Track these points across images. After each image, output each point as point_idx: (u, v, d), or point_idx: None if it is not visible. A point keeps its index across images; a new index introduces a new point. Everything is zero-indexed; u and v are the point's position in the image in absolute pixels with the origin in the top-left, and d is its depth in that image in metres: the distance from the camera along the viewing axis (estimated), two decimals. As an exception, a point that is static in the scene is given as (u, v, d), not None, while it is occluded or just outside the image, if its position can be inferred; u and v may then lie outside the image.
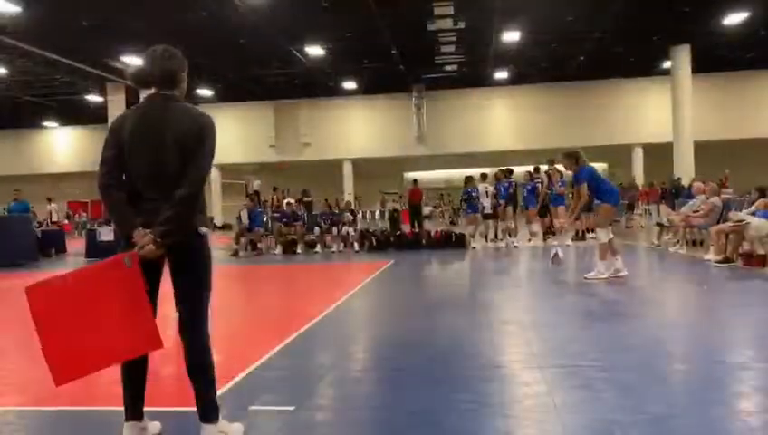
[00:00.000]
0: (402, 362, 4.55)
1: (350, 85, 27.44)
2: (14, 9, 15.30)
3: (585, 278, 8.07)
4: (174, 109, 2.76)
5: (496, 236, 14.72)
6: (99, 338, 2.57)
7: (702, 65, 23.83)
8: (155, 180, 2.71)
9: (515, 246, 13.49)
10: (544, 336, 5.22)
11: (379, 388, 3.95)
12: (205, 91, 26.61)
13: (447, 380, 3.96)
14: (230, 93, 27.41)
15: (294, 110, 29.57)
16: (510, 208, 14.01)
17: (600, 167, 28.44)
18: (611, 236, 8.18)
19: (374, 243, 14.50)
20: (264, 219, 15.79)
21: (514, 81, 27.89)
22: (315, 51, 21.10)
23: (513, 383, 3.93)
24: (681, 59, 22.93)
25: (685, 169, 22.14)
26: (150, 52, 2.83)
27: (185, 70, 2.90)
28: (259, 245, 15.00)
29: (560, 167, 14.94)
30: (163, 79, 2.79)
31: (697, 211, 11.04)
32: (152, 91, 2.83)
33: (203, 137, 2.73)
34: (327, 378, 4.16)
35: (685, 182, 19.21)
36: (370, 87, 27.74)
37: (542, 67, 25.58)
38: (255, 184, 20.05)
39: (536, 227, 14.23)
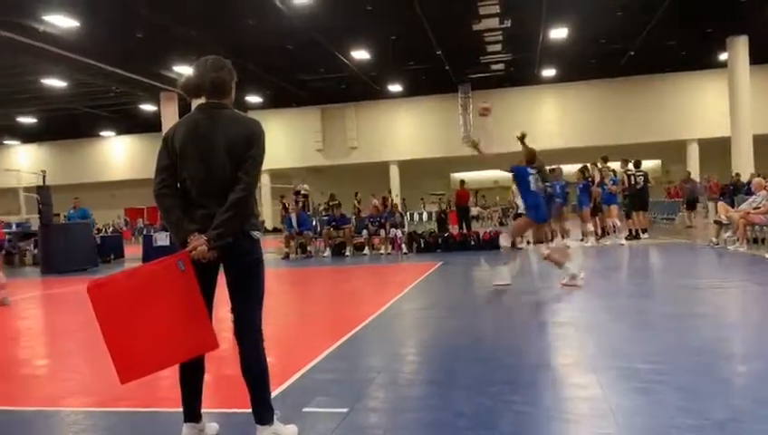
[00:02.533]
0: (454, 363, 4.53)
1: (395, 88, 27.49)
2: (73, 24, 15.92)
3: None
4: (223, 117, 2.83)
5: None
6: (158, 338, 2.65)
7: (760, 57, 22.94)
8: (207, 188, 2.78)
9: (568, 247, 13.26)
10: (598, 337, 5.12)
11: (431, 390, 3.94)
12: (254, 98, 27.10)
13: (500, 381, 3.92)
14: (278, 99, 27.83)
15: (341, 114, 29.81)
16: (565, 208, 13.82)
17: (653, 164, 27.71)
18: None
19: (422, 245, 14.48)
20: (314, 223, 15.97)
21: (563, 78, 27.42)
22: (360, 55, 21.22)
23: (568, 386, 3.87)
24: (738, 51, 22.11)
25: (743, 164, 21.34)
26: (201, 62, 2.90)
27: (234, 79, 2.96)
28: (309, 248, 15.18)
29: (613, 165, 14.67)
30: (213, 89, 2.86)
31: (758, 208, 10.62)
32: (202, 100, 2.91)
33: (252, 143, 2.79)
34: (379, 380, 4.17)
35: (744, 178, 18.50)
36: (416, 89, 27.74)
37: (591, 63, 25.08)
38: (303, 188, 20.29)
39: (590, 227, 13.95)
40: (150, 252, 14.89)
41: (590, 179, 13.97)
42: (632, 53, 23.50)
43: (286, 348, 5.20)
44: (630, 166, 14.48)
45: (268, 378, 2.91)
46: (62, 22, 15.80)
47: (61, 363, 5.50)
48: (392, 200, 16.18)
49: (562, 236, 13.72)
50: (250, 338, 2.87)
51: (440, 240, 14.51)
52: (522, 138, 8.07)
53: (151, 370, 2.74)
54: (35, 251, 15.99)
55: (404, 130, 29.71)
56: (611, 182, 13.81)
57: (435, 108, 29.33)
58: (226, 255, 2.79)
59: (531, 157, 8.16)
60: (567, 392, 3.74)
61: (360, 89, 26.97)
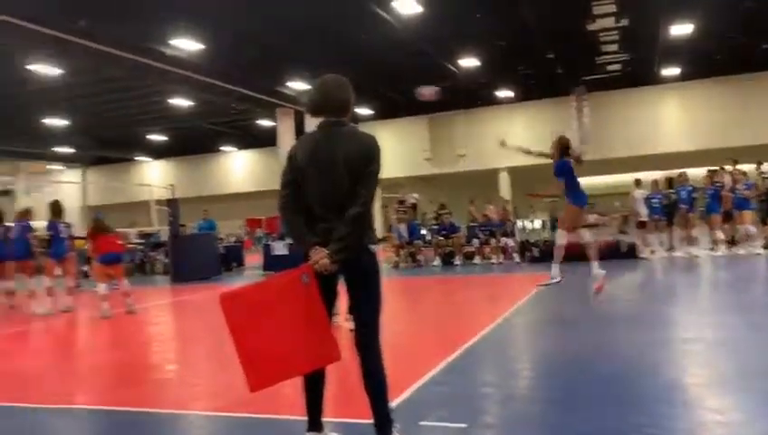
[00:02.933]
0: (573, 380, 4.35)
1: (505, 93, 27.05)
2: (198, 47, 17.00)
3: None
4: (343, 133, 2.95)
5: (672, 245, 13.63)
6: (284, 348, 2.76)
7: None
8: (328, 202, 2.89)
9: (696, 257, 12.40)
10: (734, 355, 4.73)
11: (551, 408, 3.80)
12: (364, 111, 27.67)
13: (623, 400, 3.72)
14: (386, 111, 28.21)
15: (449, 122, 29.73)
16: (692, 215, 12.95)
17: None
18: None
19: (535, 254, 14.08)
20: (423, 232, 16.00)
21: (686, 76, 25.77)
22: (468, 62, 21.08)
23: (702, 408, 3.60)
24: None
25: None
26: (323, 82, 3.02)
27: (353, 96, 3.07)
28: (418, 257, 15.23)
29: (745, 167, 13.60)
30: (336, 108, 2.98)
31: None
32: (323, 118, 3.01)
33: (370, 158, 2.90)
34: (496, 395, 4.09)
35: None
36: (527, 93, 27.13)
37: (717, 60, 23.40)
38: (412, 197, 20.41)
39: (719, 235, 12.98)
40: (270, 261, 15.54)
41: (719, 184, 13.02)
42: (765, 47, 21.70)
43: (400, 359, 5.22)
44: (766, 167, 13.36)
45: (387, 388, 2.95)
46: (187, 45, 16.90)
47: (189, 368, 5.85)
48: (505, 208, 15.90)
49: (688, 244, 12.87)
50: (371, 348, 2.93)
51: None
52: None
53: (279, 379, 2.85)
54: (165, 260, 17.16)
55: (514, 137, 29.08)
56: (744, 187, 12.78)
57: (547, 112, 28.53)
58: (346, 267, 2.88)
59: (565, 147, 7.70)
60: (701, 416, 3.48)
61: (469, 96, 26.77)
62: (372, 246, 2.97)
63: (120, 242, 9.58)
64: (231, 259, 17.26)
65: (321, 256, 2.79)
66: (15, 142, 29.66)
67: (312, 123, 13.34)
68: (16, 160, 36.54)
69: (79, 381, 5.53)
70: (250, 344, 2.74)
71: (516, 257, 14.10)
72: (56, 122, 27.03)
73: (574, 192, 7.55)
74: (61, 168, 39.59)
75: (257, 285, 2.89)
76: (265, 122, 28.79)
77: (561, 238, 7.73)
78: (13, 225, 10.47)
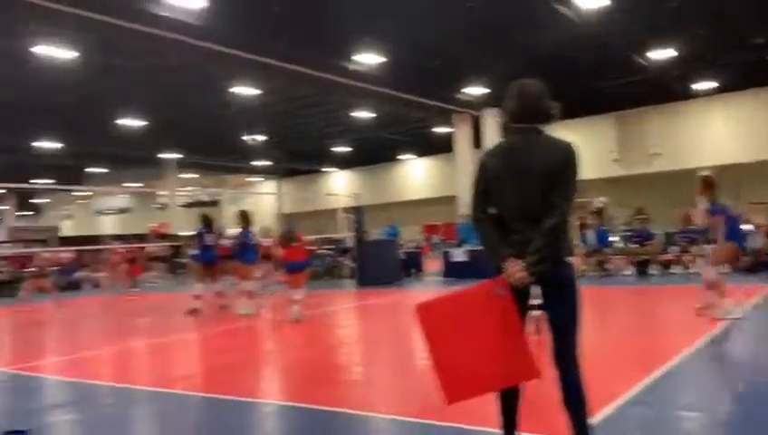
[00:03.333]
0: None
1: (704, 85, 24.63)
2: (379, 60, 17.63)
3: None
4: (539, 141, 2.81)
5: None
6: (480, 362, 2.67)
7: None
8: (522, 213, 2.76)
9: None
10: None
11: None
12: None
13: None
14: (568, 111, 26.99)
15: (639, 119, 27.75)
16: None
17: None
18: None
19: (750, 264, 12.54)
20: (612, 238, 15.03)
21: None
22: (661, 54, 19.48)
23: None
24: None
25: None
26: (523, 89, 2.87)
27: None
28: (607, 265, 14.31)
29: None
30: (539, 115, 2.84)
31: None
32: (519, 125, 2.86)
33: (568, 166, 2.74)
34: (703, 421, 3.64)
35: None
36: (730, 84, 24.47)
37: None
38: (600, 202, 19.31)
39: None
40: (449, 267, 15.59)
41: None
42: None
43: (595, 376, 4.86)
44: None
45: (587, 406, 2.77)
46: (369, 59, 17.60)
47: (376, 371, 5.97)
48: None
49: None
50: (570, 364, 2.77)
51: (768, 257, 12.45)
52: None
53: (475, 393, 2.76)
54: (352, 265, 17.95)
55: (717, 132, 26.36)
56: None
57: (755, 103, 25.52)
58: (542, 280, 2.74)
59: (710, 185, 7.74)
60: None
61: (662, 90, 24.77)
62: (570, 258, 2.81)
63: (304, 251, 9.91)
64: (411, 265, 17.58)
65: (516, 269, 2.66)
66: (221, 158, 33.06)
67: (489, 128, 13.34)
68: (222, 174, 40.78)
69: (276, 378, 5.90)
70: (445, 356, 2.68)
71: (723, 267, 12.66)
72: (254, 138, 29.62)
73: (733, 231, 7.54)
74: (260, 179, 43.42)
75: (452, 296, 2.82)
76: (442, 129, 29.10)
77: (710, 273, 7.46)
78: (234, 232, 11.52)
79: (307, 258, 10.03)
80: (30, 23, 13.49)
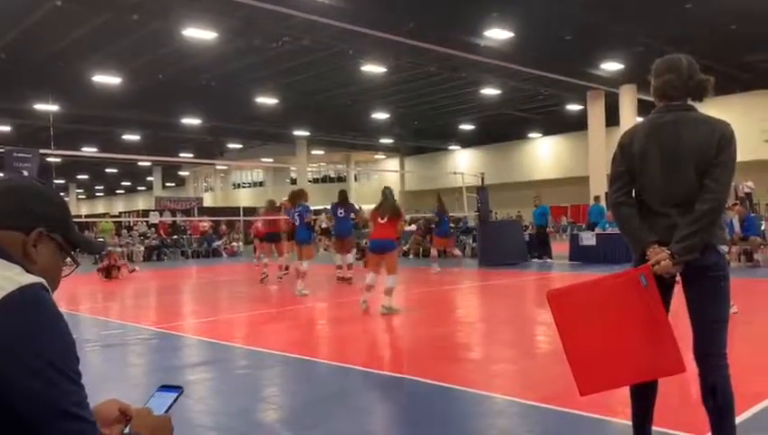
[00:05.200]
0: None
1: None
2: (509, 35, 17.17)
3: None
4: (688, 119, 2.59)
5: None
6: (617, 353, 2.54)
7: None
8: (669, 195, 2.57)
9: None
10: None
11: None
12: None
13: None
14: (717, 87, 24.82)
15: (798, 96, 25.11)
16: None
17: None
18: None
19: None
20: (762, 226, 13.78)
21: None
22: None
23: None
24: None
25: None
26: (669, 62, 2.66)
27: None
28: (755, 256, 13.16)
29: None
30: (690, 90, 2.63)
31: None
32: (665, 102, 2.66)
33: (721, 147, 2.50)
34: None
35: None
36: None
37: None
38: (747, 185, 17.78)
39: None
40: (577, 251, 15.07)
41: None
42: None
43: (738, 374, 4.51)
44: None
45: (734, 408, 2.56)
46: (498, 35, 17.17)
47: (500, 352, 5.92)
48: None
49: None
50: (715, 363, 2.56)
51: None
52: None
53: (610, 385, 2.65)
54: (473, 244, 17.81)
55: None
56: None
57: None
58: (689, 270, 2.53)
59: None
60: None
61: (827, 64, 22.21)
62: (722, 247, 2.59)
63: (394, 229, 8.36)
64: (537, 247, 17.12)
65: (662, 257, 2.47)
66: (348, 135, 33.90)
67: (625, 106, 12.69)
68: (348, 151, 41.82)
69: (399, 352, 6.02)
70: (579, 345, 2.56)
71: None
72: (380, 116, 30.05)
73: None
74: (383, 157, 44.08)
75: (588, 284, 2.68)
76: (574, 106, 27.94)
77: None
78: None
79: (391, 237, 8.24)
80: (181, 6, 14.51)
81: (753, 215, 13.83)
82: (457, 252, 15.68)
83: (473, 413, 3.95)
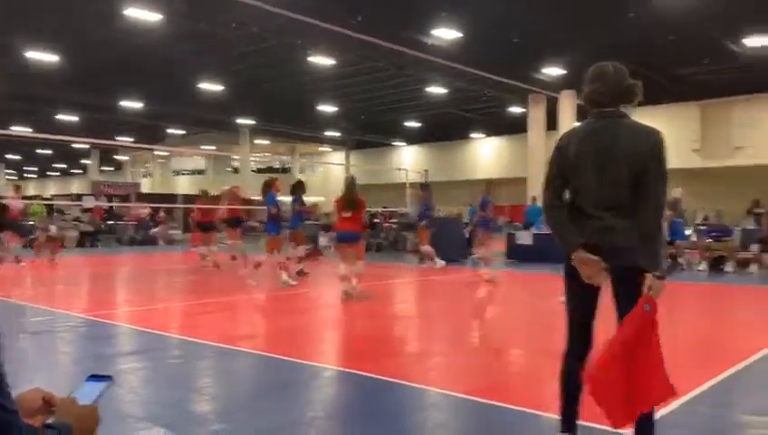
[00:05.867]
0: None
1: (800, 77, 23.13)
2: (457, 35, 17.37)
3: None
4: (622, 125, 2.71)
5: None
6: (635, 385, 2.57)
7: None
8: (602, 199, 2.68)
9: None
10: None
11: None
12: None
13: None
14: (649, 96, 25.91)
15: (725, 109, 26.39)
16: None
17: None
18: None
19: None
20: (687, 232, 14.46)
21: None
22: (757, 41, 18.38)
23: None
24: None
25: None
26: (603, 71, 2.76)
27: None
28: (680, 259, 13.80)
29: None
30: (621, 95, 2.74)
31: None
32: (598, 109, 2.77)
33: (655, 154, 2.64)
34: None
35: None
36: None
37: None
38: (676, 192, 18.56)
39: None
40: (514, 249, 15.42)
41: None
42: None
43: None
44: None
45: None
46: (446, 34, 17.36)
47: (433, 345, 6.02)
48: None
49: None
50: None
51: None
52: None
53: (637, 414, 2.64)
54: (416, 240, 17.92)
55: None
56: None
57: None
58: (619, 270, 2.67)
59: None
60: None
61: (752, 80, 23.43)
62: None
63: (358, 221, 8.84)
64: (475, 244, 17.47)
65: (594, 271, 2.60)
66: (293, 126, 33.57)
67: (565, 111, 13.11)
68: (293, 142, 41.45)
69: (336, 345, 6.05)
70: (612, 394, 2.56)
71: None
72: (326, 108, 29.91)
73: None
74: (329, 150, 43.90)
75: (611, 352, 2.58)
76: (516, 109, 28.54)
77: None
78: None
79: (357, 229, 8.80)
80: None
81: (679, 220, 14.48)
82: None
83: (408, 406, 4.01)
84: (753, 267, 12.75)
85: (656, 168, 2.61)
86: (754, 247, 12.79)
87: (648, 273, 2.55)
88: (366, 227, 10.48)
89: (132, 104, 26.44)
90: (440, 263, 13.05)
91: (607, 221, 2.64)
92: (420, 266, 13.93)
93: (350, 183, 8.85)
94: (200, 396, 4.27)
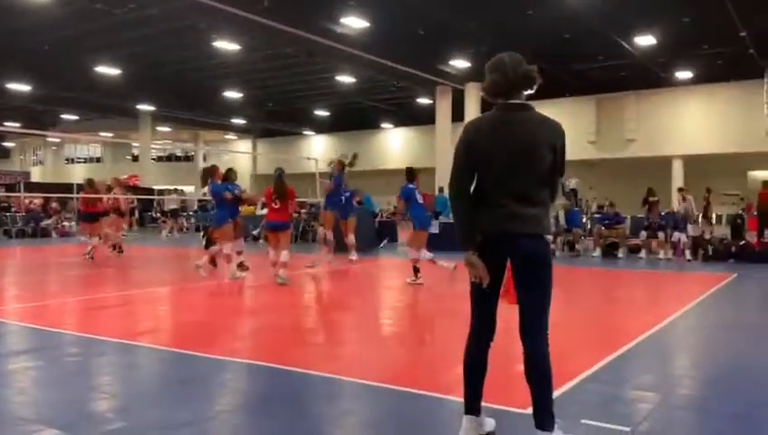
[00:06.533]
0: (755, 395, 3.91)
1: (684, 75, 24.91)
2: (365, 25, 17.39)
3: None
4: (530, 117, 2.81)
5: None
6: None
7: None
8: (510, 189, 2.76)
9: None
10: None
11: (732, 425, 3.42)
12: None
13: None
14: (550, 90, 27.16)
15: (618, 104, 28.01)
16: None
17: None
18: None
19: (710, 253, 12.89)
20: (584, 220, 15.26)
21: None
22: (645, 40, 19.61)
23: None
24: None
25: None
26: (501, 62, 2.82)
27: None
28: (577, 246, 14.55)
29: None
30: (522, 83, 2.80)
31: None
32: (501, 100, 2.84)
33: (558, 143, 2.79)
34: (658, 401, 3.78)
35: None
36: (710, 75, 24.75)
37: None
38: (572, 182, 19.52)
39: None
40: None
41: None
42: None
43: (555, 354, 4.99)
44: None
45: (552, 383, 2.83)
46: (355, 23, 17.35)
47: (346, 335, 6.03)
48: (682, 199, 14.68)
49: None
50: (537, 341, 2.82)
51: (734, 249, 12.77)
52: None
53: None
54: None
55: (692, 122, 26.76)
56: None
57: (732, 96, 25.86)
58: (519, 257, 2.77)
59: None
60: None
61: (642, 76, 25.01)
62: (548, 236, 2.87)
63: (287, 211, 9.35)
64: (385, 234, 17.64)
65: (482, 274, 2.74)
66: (197, 113, 32.51)
67: (471, 102, 13.41)
68: (197, 129, 40.14)
69: (246, 338, 5.93)
70: None
71: (688, 255, 13.00)
72: (232, 95, 29.15)
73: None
74: (234, 138, 42.83)
75: None
76: (424, 100, 29.02)
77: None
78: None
79: (287, 219, 9.41)
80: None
81: (576, 209, 15.25)
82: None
83: (320, 395, 4.00)
84: (642, 253, 13.65)
85: (558, 155, 2.78)
86: (643, 234, 13.68)
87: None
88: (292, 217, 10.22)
89: (20, 87, 24.68)
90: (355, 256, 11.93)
91: (514, 209, 2.73)
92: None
93: (279, 175, 9.39)
94: (98, 394, 4.06)
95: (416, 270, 9.08)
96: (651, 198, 14.14)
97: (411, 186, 9.22)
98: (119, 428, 3.35)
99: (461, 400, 2.99)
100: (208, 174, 10.01)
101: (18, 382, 4.13)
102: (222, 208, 9.48)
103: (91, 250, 12.47)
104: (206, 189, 10.20)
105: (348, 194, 11.89)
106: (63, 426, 3.35)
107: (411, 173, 9.42)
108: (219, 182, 9.80)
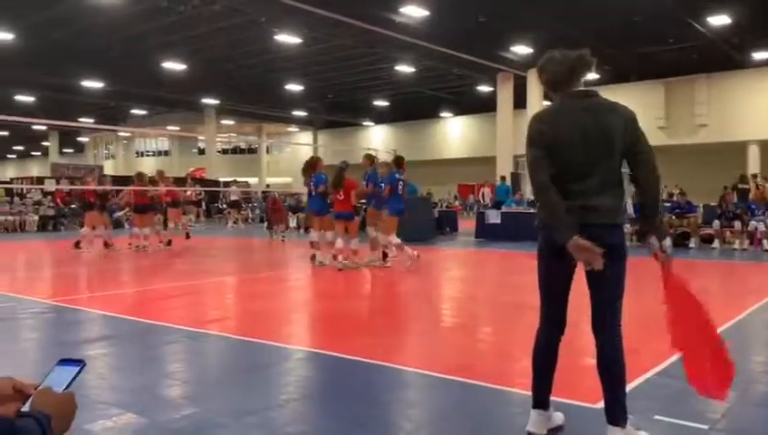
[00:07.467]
0: None
1: (761, 55, 23.64)
2: (424, 13, 17.26)
3: None
4: (602, 105, 2.73)
5: None
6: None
7: None
8: (586, 176, 2.68)
9: None
10: None
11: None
12: (590, 75, 26.12)
13: None
14: (617, 75, 26.34)
15: (689, 87, 26.87)
16: None
17: None
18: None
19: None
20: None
21: None
22: (720, 20, 18.69)
23: None
24: None
25: None
26: (548, 57, 2.80)
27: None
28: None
29: None
30: (576, 69, 2.75)
31: None
32: (564, 90, 2.78)
33: (634, 130, 2.69)
34: (735, 398, 3.60)
35: None
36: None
37: None
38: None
39: None
40: (483, 228, 15.53)
41: None
42: None
43: (628, 347, 4.84)
44: None
45: (625, 377, 2.76)
46: (414, 12, 17.25)
47: (409, 326, 6.03)
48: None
49: None
50: (610, 334, 2.75)
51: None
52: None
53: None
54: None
55: (766, 104, 25.39)
56: None
57: (812, 77, 24.39)
58: (599, 247, 2.64)
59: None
60: None
61: (715, 58, 23.86)
62: (625, 225, 2.82)
63: (348, 201, 9.86)
64: (445, 224, 17.55)
65: (594, 257, 2.57)
66: (260, 106, 33.13)
67: (534, 90, 13.16)
68: (260, 122, 40.92)
69: (312, 326, 6.02)
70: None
71: (766, 244, 12.37)
72: (293, 87, 29.54)
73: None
74: (296, 130, 43.46)
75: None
76: (485, 88, 28.61)
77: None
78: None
79: (350, 209, 9.96)
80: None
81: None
82: None
83: (386, 385, 4.01)
84: (716, 243, 13.08)
85: (639, 141, 2.69)
86: (716, 223, 13.10)
87: (653, 235, 2.74)
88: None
89: (93, 84, 25.76)
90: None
91: (591, 198, 2.66)
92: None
93: (340, 167, 9.86)
94: (171, 381, 4.20)
95: (384, 255, 9.98)
96: (742, 185, 13.55)
97: (398, 175, 9.73)
98: (191, 413, 3.46)
99: (529, 393, 2.95)
100: (311, 166, 10.31)
101: (97, 368, 4.32)
102: (323, 199, 10.09)
103: (141, 242, 13.17)
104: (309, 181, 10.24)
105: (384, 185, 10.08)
106: (139, 411, 3.48)
107: (400, 161, 10.35)
108: (322, 174, 10.19)
